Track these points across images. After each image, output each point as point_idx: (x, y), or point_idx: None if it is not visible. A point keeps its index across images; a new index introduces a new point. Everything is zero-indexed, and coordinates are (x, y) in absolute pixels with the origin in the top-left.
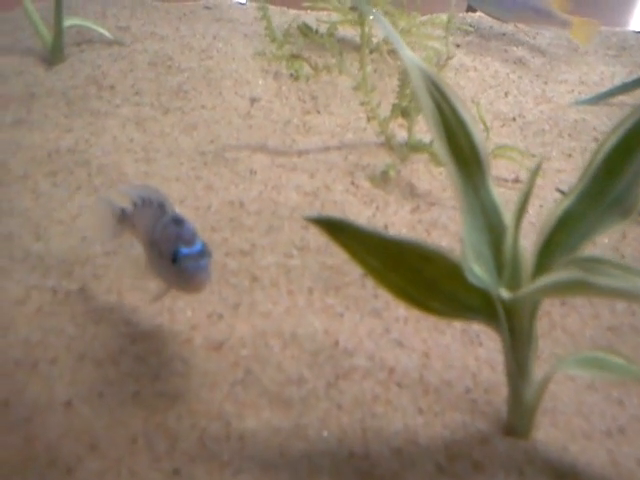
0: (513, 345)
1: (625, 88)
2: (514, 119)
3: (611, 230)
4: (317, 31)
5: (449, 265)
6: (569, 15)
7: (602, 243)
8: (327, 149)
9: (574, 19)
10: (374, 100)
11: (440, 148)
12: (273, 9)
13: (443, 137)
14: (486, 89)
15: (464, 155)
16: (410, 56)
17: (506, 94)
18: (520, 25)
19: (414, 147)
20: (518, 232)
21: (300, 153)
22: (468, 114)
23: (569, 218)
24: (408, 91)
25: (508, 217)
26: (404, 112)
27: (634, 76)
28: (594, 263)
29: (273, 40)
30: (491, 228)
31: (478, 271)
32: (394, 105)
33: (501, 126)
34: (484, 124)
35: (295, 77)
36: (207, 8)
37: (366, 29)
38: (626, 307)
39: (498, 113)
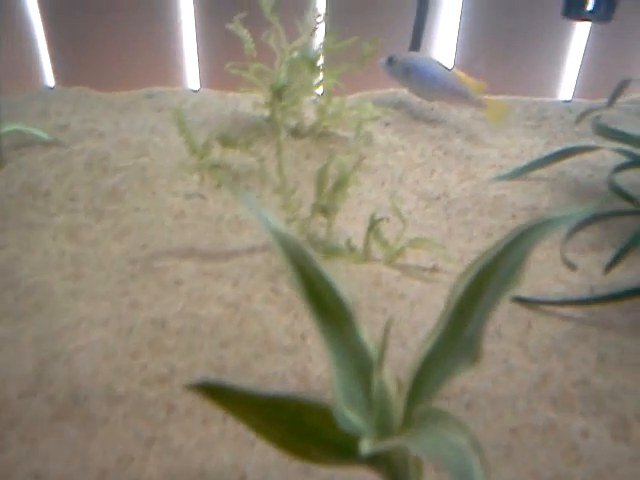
0: None
1: (541, 162)
2: (439, 198)
3: (465, 374)
4: (236, 141)
5: (328, 413)
6: (483, 97)
7: (507, 333)
8: (253, 250)
9: (488, 101)
10: (295, 202)
11: (307, 308)
12: (212, 93)
13: (309, 298)
14: (413, 168)
15: (331, 311)
16: (271, 226)
17: (432, 172)
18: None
19: (328, 252)
20: (382, 376)
21: (228, 256)
22: (331, 274)
23: (431, 360)
24: (325, 191)
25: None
26: (324, 210)
27: (551, 148)
28: (436, 418)
29: (193, 152)
30: (364, 374)
31: (351, 417)
32: (314, 205)
33: (426, 207)
34: (400, 217)
35: (217, 185)
36: (149, 97)
37: (281, 137)
38: (526, 405)
39: (423, 193)
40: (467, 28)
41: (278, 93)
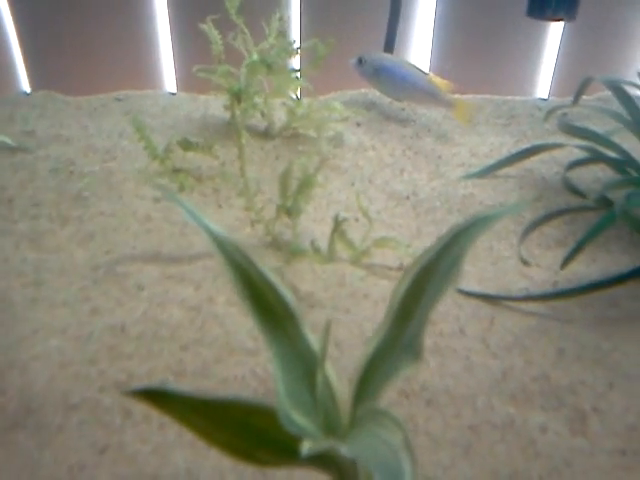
0: None
1: (509, 160)
2: (408, 197)
3: (407, 372)
4: (197, 144)
5: (275, 415)
6: (452, 96)
7: (471, 331)
8: None
9: (456, 100)
10: (259, 203)
11: (250, 312)
12: (184, 96)
13: (252, 300)
14: (383, 168)
15: (276, 313)
16: (211, 230)
17: (401, 172)
18: None
19: (293, 253)
20: (328, 377)
21: (191, 259)
22: (274, 276)
23: (376, 359)
24: (289, 192)
25: (328, 363)
26: (288, 212)
27: (520, 146)
28: (375, 418)
29: (154, 158)
30: (310, 375)
31: (297, 418)
32: (278, 206)
33: (395, 206)
34: (366, 215)
35: (180, 189)
36: (118, 100)
37: (243, 140)
38: (486, 402)
39: (393, 192)
40: (442, 28)
41: (236, 96)
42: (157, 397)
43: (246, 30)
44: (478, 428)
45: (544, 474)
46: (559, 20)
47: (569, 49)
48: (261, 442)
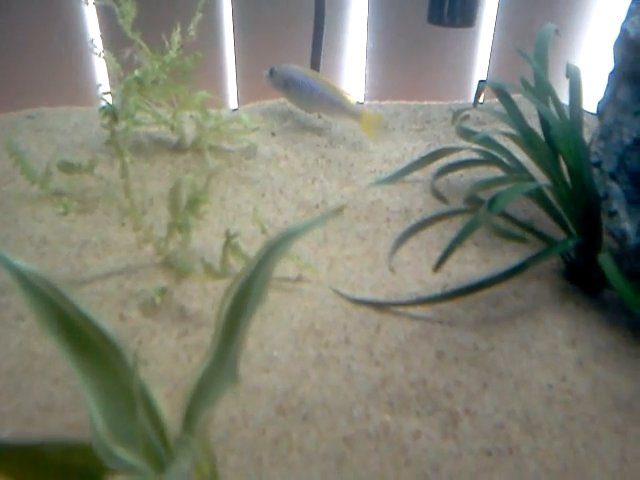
0: None
1: (417, 164)
2: (317, 206)
3: (228, 396)
4: (80, 165)
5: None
6: (359, 108)
7: (355, 339)
8: (109, 275)
9: (363, 112)
10: (146, 223)
11: (59, 348)
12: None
13: (65, 336)
14: (295, 178)
15: (97, 347)
16: (14, 265)
17: (313, 181)
18: None
19: (181, 272)
20: (157, 406)
21: (82, 283)
22: (90, 310)
23: (205, 382)
24: (180, 210)
25: (156, 392)
26: (180, 229)
27: (431, 150)
28: (187, 448)
29: (33, 182)
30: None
31: (123, 454)
32: (169, 224)
33: (304, 215)
34: (262, 227)
35: (64, 213)
36: (30, 117)
37: (126, 159)
38: (362, 411)
39: (303, 202)
40: (374, 37)
41: (112, 115)
42: None
43: (144, 45)
44: (352, 439)
45: None
46: (457, 26)
47: (501, 53)
48: None
